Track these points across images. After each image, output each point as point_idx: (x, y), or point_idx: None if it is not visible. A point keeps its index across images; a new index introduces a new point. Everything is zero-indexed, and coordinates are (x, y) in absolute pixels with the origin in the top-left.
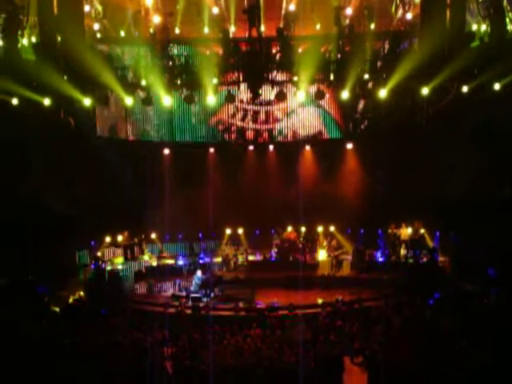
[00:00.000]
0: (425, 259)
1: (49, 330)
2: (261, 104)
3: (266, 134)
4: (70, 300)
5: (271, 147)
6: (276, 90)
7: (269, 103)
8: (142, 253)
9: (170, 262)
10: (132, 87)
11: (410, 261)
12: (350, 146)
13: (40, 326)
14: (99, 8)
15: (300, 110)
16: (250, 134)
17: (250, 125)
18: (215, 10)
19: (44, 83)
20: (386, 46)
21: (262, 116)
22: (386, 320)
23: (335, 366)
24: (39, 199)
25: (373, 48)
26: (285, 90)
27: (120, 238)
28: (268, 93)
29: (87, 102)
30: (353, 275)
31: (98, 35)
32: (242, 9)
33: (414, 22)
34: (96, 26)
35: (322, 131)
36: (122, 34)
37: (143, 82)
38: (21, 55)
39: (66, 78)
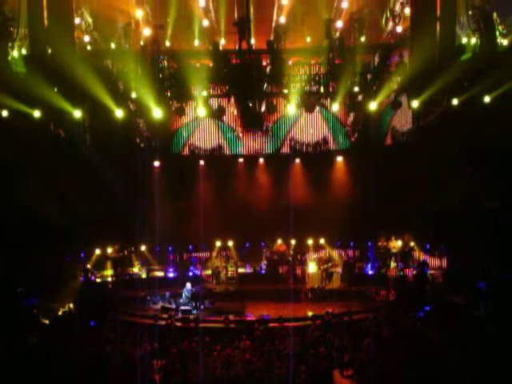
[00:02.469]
0: (414, 272)
1: (38, 343)
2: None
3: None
4: (60, 312)
5: (261, 160)
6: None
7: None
8: (132, 265)
9: (160, 274)
10: (122, 99)
11: (400, 274)
12: (340, 158)
13: (29, 339)
14: (89, 20)
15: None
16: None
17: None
18: (205, 23)
19: (34, 95)
20: (376, 59)
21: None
22: (376, 333)
23: (325, 379)
24: (29, 211)
25: (363, 61)
26: (275, 103)
27: (110, 250)
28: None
29: (77, 113)
30: (343, 288)
31: (89, 47)
32: (232, 21)
33: (404, 35)
34: (86, 39)
35: (328, 138)
36: (113, 46)
37: (133, 95)
38: (11, 67)
39: (56, 89)
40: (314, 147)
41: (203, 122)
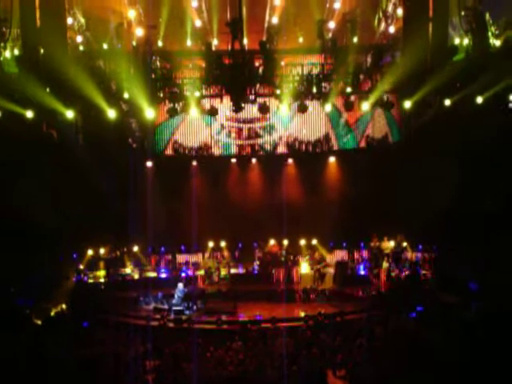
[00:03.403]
0: (407, 272)
1: (29, 343)
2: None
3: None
4: (52, 313)
5: (254, 160)
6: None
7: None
8: (124, 266)
9: (153, 274)
10: (115, 99)
11: (392, 274)
12: (332, 159)
13: (19, 339)
14: (82, 21)
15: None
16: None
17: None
18: (198, 23)
19: (26, 96)
20: (369, 60)
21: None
22: (369, 333)
23: (318, 380)
24: (21, 211)
25: (355, 61)
26: (268, 103)
27: (102, 250)
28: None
29: (70, 114)
30: (335, 288)
31: (81, 48)
32: (224, 22)
33: (397, 36)
34: (79, 39)
35: (330, 135)
36: (105, 46)
37: (126, 95)
38: (3, 68)
39: (48, 90)
40: (314, 145)
41: (188, 117)
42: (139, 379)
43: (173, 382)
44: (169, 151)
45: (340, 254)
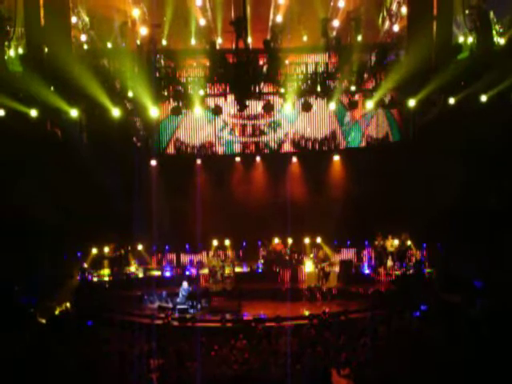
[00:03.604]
0: (411, 271)
1: (33, 342)
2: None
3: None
4: (57, 311)
5: (258, 158)
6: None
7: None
8: (129, 264)
9: (157, 273)
10: (119, 98)
11: (397, 273)
12: (337, 157)
13: (23, 338)
14: (86, 19)
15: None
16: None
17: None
18: (202, 22)
19: (31, 94)
20: (373, 58)
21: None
22: (373, 332)
23: (322, 378)
24: (26, 210)
25: (360, 60)
26: (272, 102)
27: (106, 249)
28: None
29: (74, 113)
30: (340, 287)
31: (85, 46)
32: (229, 20)
33: (401, 34)
34: (83, 38)
35: (336, 133)
36: (109, 45)
37: (130, 94)
38: (7, 66)
39: (52, 89)
40: (320, 143)
41: (190, 114)
42: (143, 378)
43: (177, 380)
44: (170, 149)
45: (344, 253)
